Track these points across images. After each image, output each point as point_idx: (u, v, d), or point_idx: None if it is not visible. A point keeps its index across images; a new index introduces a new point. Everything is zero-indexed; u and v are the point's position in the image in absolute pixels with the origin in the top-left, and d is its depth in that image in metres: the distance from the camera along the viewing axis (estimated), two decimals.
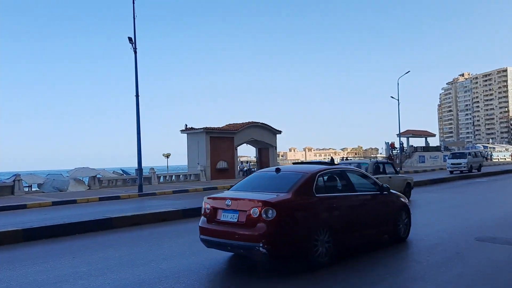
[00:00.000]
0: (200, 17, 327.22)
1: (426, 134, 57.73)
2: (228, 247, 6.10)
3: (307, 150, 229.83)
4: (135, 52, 22.33)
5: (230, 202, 6.12)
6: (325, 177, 6.80)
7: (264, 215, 5.69)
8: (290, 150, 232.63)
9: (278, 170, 6.95)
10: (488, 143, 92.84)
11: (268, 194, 6.09)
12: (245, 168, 37.51)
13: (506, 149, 74.22)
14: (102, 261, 6.84)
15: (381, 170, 13.90)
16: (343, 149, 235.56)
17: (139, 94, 22.36)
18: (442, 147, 57.96)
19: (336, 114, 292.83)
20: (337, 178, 7.20)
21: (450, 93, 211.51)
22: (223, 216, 6.16)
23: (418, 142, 58.97)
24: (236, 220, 5.97)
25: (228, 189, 7.16)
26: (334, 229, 6.29)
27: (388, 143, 50.95)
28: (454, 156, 34.19)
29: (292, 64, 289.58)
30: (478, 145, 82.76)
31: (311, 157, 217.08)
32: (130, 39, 22.29)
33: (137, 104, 22.31)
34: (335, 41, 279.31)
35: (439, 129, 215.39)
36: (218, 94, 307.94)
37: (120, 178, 26.49)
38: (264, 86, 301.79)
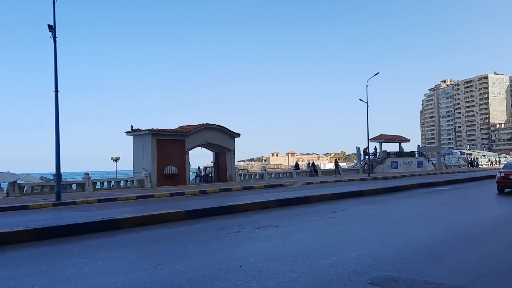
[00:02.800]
0: (153, 8, 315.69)
1: (400, 139, 55.90)
2: None
3: (290, 155, 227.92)
4: (55, 42, 19.75)
5: None
6: None
7: None
8: (273, 154, 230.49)
9: None
10: (466, 149, 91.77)
11: None
12: (203, 173, 35.03)
13: (483, 155, 73.02)
14: None
15: None
16: (326, 154, 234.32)
17: (58, 90, 19.78)
18: (416, 152, 56.10)
19: (318, 119, 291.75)
20: None
21: (432, 99, 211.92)
22: (510, 177, 17.98)
23: (393, 147, 57.21)
24: None
25: None
26: None
27: (359, 148, 49.02)
28: None
29: (271, 69, 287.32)
30: (455, 151, 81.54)
31: (293, 161, 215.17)
32: (50, 26, 19.76)
33: (56, 100, 19.70)
34: (315, 45, 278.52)
35: (421, 135, 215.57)
36: (186, 98, 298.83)
37: (47, 184, 23.74)
38: (239, 90, 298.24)
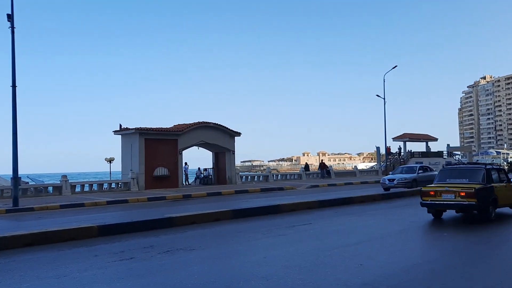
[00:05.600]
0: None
1: (427, 138, 51.99)
2: None
3: (321, 154, 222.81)
4: (13, 32, 18.09)
5: None
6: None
7: None
8: (303, 154, 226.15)
9: None
10: (503, 149, 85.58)
11: None
12: (202, 175, 32.88)
13: None
14: None
15: None
16: (359, 154, 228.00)
17: (16, 85, 18.06)
18: (445, 152, 51.97)
19: (351, 117, 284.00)
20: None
21: (471, 97, 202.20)
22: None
23: (420, 147, 53.32)
24: None
25: None
26: None
27: (378, 148, 45.57)
28: None
29: (297, 67, 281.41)
30: (491, 151, 75.92)
31: (325, 161, 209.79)
32: (8, 16, 18.14)
33: (14, 96, 17.98)
34: (341, 39, 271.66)
35: (460, 134, 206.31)
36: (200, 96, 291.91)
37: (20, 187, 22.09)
38: (264, 90, 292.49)
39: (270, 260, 6.99)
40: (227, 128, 30.34)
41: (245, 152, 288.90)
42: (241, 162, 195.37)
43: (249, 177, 33.86)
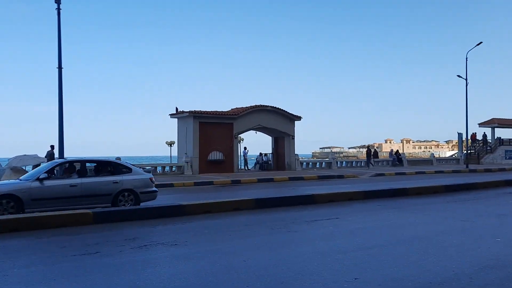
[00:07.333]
0: None
1: None
2: None
3: (405, 141, 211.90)
4: (59, 14, 18.09)
5: None
6: None
7: None
8: (386, 141, 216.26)
9: None
10: None
11: None
12: (261, 161, 31.81)
13: None
14: None
15: None
16: (447, 142, 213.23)
17: (62, 66, 18.11)
18: None
19: (434, 103, 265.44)
20: None
21: None
22: None
23: (510, 134, 47.69)
24: None
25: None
26: None
27: (461, 134, 41.14)
28: None
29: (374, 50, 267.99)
30: None
31: (409, 149, 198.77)
32: None
33: (60, 78, 18.04)
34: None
35: None
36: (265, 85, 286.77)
37: None
38: (344, 74, 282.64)
39: (247, 265, 5.60)
40: (286, 111, 28.83)
41: (325, 138, 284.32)
42: (320, 148, 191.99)
43: (311, 163, 32.19)
